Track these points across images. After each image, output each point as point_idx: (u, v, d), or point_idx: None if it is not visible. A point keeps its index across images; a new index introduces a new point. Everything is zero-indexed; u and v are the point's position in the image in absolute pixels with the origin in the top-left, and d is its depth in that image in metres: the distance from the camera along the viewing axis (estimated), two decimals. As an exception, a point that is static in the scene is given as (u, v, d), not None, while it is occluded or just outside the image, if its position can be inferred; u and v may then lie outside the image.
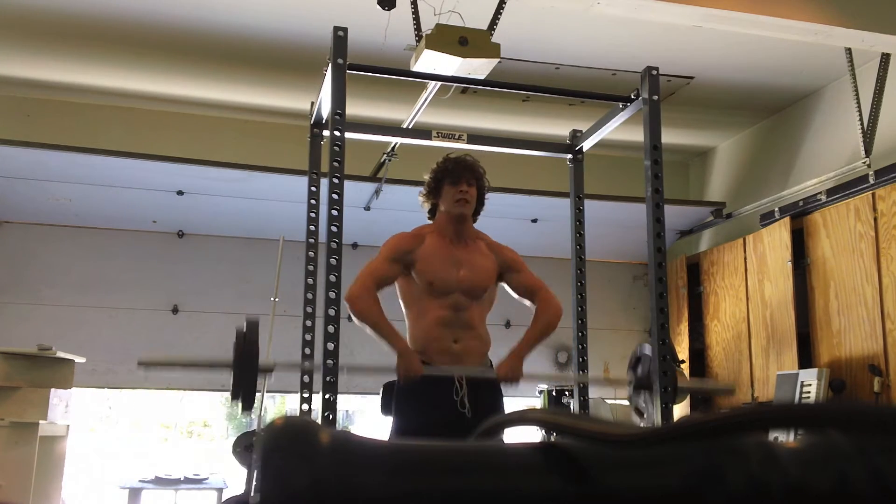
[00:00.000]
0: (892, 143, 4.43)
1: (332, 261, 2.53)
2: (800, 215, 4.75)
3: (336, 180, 2.58)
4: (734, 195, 5.88)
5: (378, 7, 3.42)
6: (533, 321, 3.09)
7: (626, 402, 5.37)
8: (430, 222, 3.18)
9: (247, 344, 2.50)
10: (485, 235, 3.20)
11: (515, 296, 3.17)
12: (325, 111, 2.85)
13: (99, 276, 5.34)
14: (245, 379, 2.47)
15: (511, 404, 4.98)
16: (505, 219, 5.23)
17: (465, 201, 3.04)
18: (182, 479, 4.96)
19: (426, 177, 3.14)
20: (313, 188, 3.29)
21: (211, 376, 5.46)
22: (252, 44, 4.57)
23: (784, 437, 0.62)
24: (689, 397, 5.38)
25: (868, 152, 4.45)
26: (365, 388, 5.50)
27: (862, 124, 4.49)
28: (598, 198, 4.81)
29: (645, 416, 2.89)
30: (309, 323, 3.18)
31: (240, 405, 2.50)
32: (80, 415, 5.35)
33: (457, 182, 3.03)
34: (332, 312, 2.50)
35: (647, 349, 2.93)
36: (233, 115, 5.61)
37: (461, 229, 3.10)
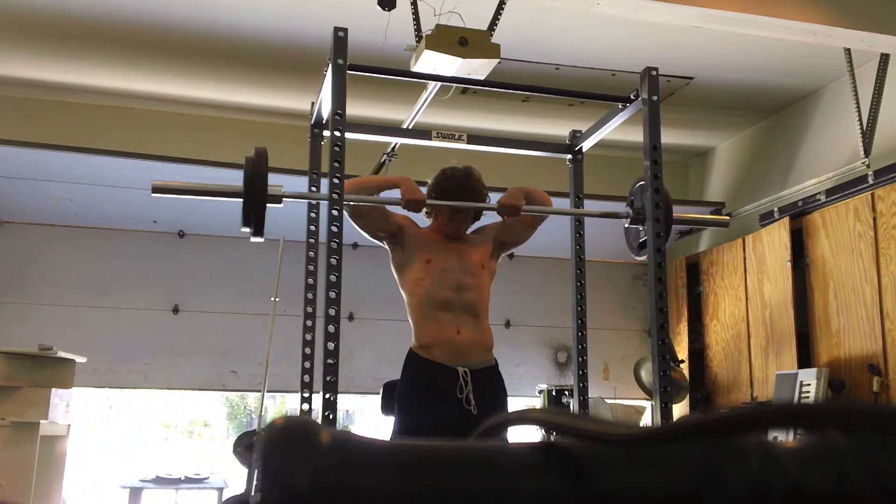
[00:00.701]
0: (892, 144, 4.44)
1: (333, 261, 2.53)
2: (799, 215, 4.75)
3: (336, 180, 2.58)
4: (733, 195, 5.88)
5: (378, 7, 3.42)
6: None
7: (626, 402, 5.39)
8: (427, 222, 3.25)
9: (256, 172, 2.61)
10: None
11: (522, 232, 3.23)
12: (326, 111, 2.85)
13: (99, 276, 5.34)
14: (255, 206, 2.60)
15: (512, 404, 4.98)
16: (505, 219, 5.22)
17: (459, 225, 3.14)
18: (182, 478, 4.97)
19: (429, 181, 3.17)
20: (314, 188, 3.29)
21: (212, 377, 5.47)
22: (252, 44, 4.57)
23: (784, 437, 0.62)
24: (688, 397, 5.39)
25: (867, 152, 4.45)
26: (365, 388, 5.51)
27: (861, 124, 4.49)
28: (598, 198, 4.81)
29: (645, 249, 2.90)
30: (309, 323, 3.18)
31: (251, 231, 2.65)
32: (80, 415, 5.36)
33: (457, 209, 3.09)
34: (332, 312, 2.50)
35: (640, 183, 2.98)
36: (233, 115, 5.60)
37: (455, 235, 3.18)
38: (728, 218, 3.54)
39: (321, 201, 3.10)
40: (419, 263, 3.05)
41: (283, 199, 2.75)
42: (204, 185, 2.85)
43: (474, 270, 3.10)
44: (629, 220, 3.02)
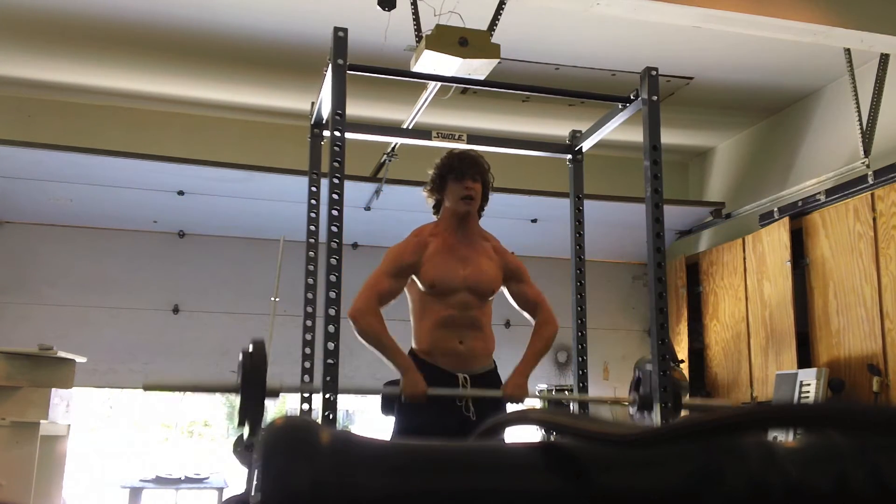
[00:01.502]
0: (891, 144, 4.44)
1: (333, 261, 2.53)
2: (799, 215, 4.75)
3: (336, 180, 2.58)
4: (733, 195, 5.88)
5: (378, 7, 3.42)
6: (534, 338, 3.11)
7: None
8: (434, 220, 3.14)
9: (253, 369, 2.39)
10: (491, 236, 3.18)
11: (514, 304, 3.17)
12: (326, 111, 2.85)
13: (100, 276, 5.34)
14: (253, 405, 2.38)
15: (511, 404, 4.97)
16: (505, 219, 5.22)
17: (470, 198, 3.00)
18: (182, 478, 4.96)
19: (430, 172, 3.11)
20: (313, 188, 3.28)
21: (212, 377, 5.47)
22: (252, 44, 4.57)
23: (784, 437, 0.63)
24: (688, 397, 5.39)
25: (867, 152, 4.45)
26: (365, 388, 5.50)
27: (861, 124, 4.49)
28: (598, 198, 4.81)
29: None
30: (309, 323, 3.18)
31: (246, 431, 2.45)
32: (80, 414, 5.35)
33: (461, 178, 2.99)
34: (332, 312, 2.50)
35: (649, 366, 2.90)
36: (233, 115, 5.61)
37: (467, 226, 3.06)
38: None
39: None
40: (424, 287, 2.98)
41: (281, 392, 2.54)
42: (196, 382, 2.69)
43: (484, 291, 3.02)
44: (635, 406, 2.96)
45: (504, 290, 3.15)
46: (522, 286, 3.15)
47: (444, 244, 3.03)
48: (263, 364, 2.40)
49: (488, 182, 3.11)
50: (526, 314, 3.16)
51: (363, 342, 2.87)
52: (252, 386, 2.37)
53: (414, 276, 3.00)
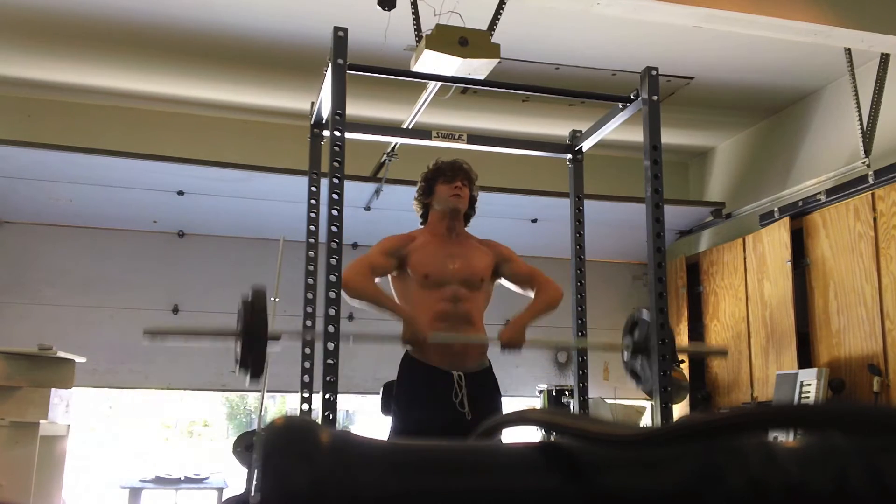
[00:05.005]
0: (892, 144, 4.44)
1: (333, 261, 2.53)
2: (799, 215, 4.75)
3: (336, 180, 2.58)
4: (733, 195, 5.88)
5: (378, 7, 3.43)
6: (535, 297, 3.15)
7: (626, 402, 5.39)
8: (422, 227, 3.23)
9: (255, 312, 2.45)
10: (474, 237, 3.25)
11: (513, 287, 3.21)
12: (325, 111, 2.85)
13: (99, 276, 5.34)
14: (254, 348, 2.45)
15: (510, 404, 4.98)
16: (505, 219, 5.23)
17: (458, 196, 3.09)
18: (182, 478, 4.96)
19: (419, 181, 3.18)
20: (313, 188, 3.29)
21: (212, 377, 5.47)
22: (252, 44, 4.57)
23: (784, 437, 0.62)
24: (688, 397, 5.39)
25: (867, 152, 4.45)
26: (365, 388, 5.50)
27: (861, 124, 4.49)
28: (598, 198, 4.81)
29: (642, 379, 2.89)
30: (309, 323, 3.18)
31: (248, 375, 2.48)
32: (80, 414, 5.35)
33: (451, 180, 3.09)
34: (332, 312, 2.50)
35: (645, 314, 2.92)
36: (233, 115, 5.61)
37: (454, 227, 3.14)
38: (727, 351, 3.49)
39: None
40: (417, 279, 3.02)
41: (282, 335, 2.60)
42: (198, 328, 2.71)
43: (473, 281, 3.07)
44: (629, 350, 2.97)
45: (501, 281, 3.19)
46: (515, 265, 3.21)
47: (432, 240, 3.12)
48: (264, 309, 2.47)
49: (475, 192, 3.20)
50: (527, 291, 3.20)
51: (355, 303, 2.93)
52: (254, 331, 2.43)
53: (408, 270, 3.04)
